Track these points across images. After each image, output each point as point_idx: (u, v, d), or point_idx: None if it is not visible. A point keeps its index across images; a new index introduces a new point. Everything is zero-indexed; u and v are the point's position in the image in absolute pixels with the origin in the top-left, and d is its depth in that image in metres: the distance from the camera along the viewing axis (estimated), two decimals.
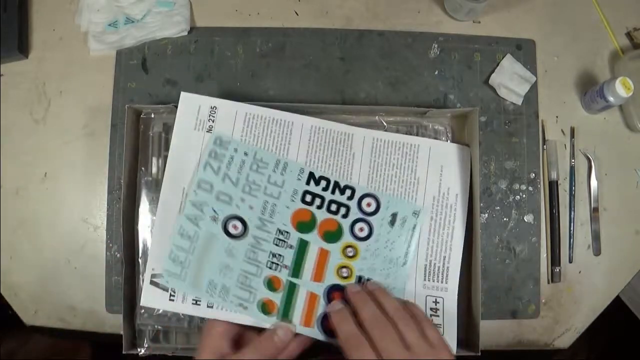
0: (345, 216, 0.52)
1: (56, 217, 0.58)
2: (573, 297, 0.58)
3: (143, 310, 0.53)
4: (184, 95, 0.53)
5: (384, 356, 0.39)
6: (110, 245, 0.57)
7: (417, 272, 0.52)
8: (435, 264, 0.52)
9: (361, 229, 0.52)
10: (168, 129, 0.57)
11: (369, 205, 0.52)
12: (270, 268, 0.50)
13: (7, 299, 0.58)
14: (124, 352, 0.52)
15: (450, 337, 0.51)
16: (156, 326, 0.54)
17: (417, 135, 0.57)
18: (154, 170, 0.56)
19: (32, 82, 0.60)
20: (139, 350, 0.53)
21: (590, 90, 0.59)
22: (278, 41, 0.61)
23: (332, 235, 0.51)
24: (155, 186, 0.55)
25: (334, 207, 0.52)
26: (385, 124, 0.58)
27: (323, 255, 0.51)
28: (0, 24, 0.58)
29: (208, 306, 0.49)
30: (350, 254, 0.51)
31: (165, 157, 0.56)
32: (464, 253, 0.53)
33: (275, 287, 0.50)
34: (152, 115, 0.57)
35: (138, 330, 0.54)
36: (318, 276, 0.50)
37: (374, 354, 0.39)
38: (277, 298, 0.49)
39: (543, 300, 0.58)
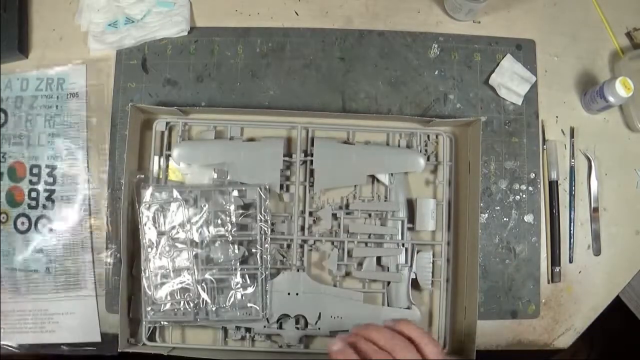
0: None
1: None
2: (573, 297, 0.58)
3: (150, 308, 0.53)
4: None
5: None
6: (110, 245, 0.57)
7: None
8: None
9: None
10: (171, 128, 0.58)
11: None
12: None
13: None
14: (119, 350, 0.52)
15: None
16: (162, 322, 0.54)
17: (419, 142, 0.57)
18: (155, 169, 0.56)
19: None
20: (119, 349, 0.52)
21: (590, 90, 0.59)
22: (278, 41, 0.61)
23: None
24: (156, 185, 0.56)
25: None
26: (386, 132, 0.58)
27: None
28: (0, 24, 0.58)
29: None
30: None
31: (168, 157, 0.57)
32: (457, 253, 0.53)
33: None
34: (154, 116, 0.57)
35: (133, 330, 0.54)
36: None
37: None
38: None
39: (543, 300, 0.58)
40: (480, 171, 0.54)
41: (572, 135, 0.61)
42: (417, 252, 0.56)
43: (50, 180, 0.58)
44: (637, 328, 0.73)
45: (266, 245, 0.54)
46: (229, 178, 0.56)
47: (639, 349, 0.79)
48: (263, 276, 0.53)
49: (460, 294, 0.55)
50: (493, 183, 0.59)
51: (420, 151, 0.58)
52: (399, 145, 0.58)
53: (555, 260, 0.58)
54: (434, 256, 0.56)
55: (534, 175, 0.59)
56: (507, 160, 0.59)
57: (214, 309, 0.53)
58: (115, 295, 0.56)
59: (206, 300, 0.53)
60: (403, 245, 0.56)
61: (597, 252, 0.59)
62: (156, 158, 0.57)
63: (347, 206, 0.58)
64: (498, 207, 0.59)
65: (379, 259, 0.56)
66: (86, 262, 0.57)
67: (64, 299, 0.57)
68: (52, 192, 0.58)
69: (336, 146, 0.57)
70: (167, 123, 0.57)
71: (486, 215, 0.58)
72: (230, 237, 0.54)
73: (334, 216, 0.57)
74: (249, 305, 0.53)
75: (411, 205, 0.57)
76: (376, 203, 0.57)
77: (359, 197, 0.57)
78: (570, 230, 0.59)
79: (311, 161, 0.56)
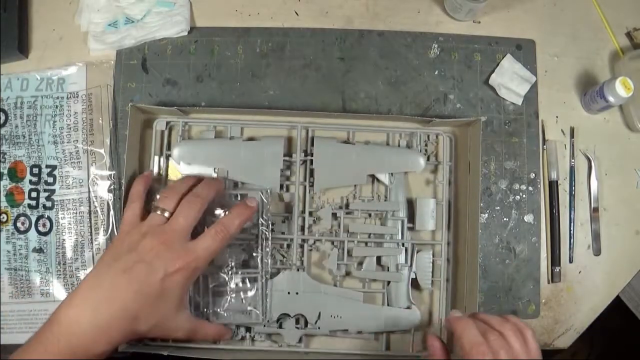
0: None
1: None
2: (573, 297, 0.58)
3: None
4: None
5: None
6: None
7: None
8: None
9: None
10: (171, 128, 0.58)
11: None
12: None
13: None
14: (119, 350, 0.51)
15: None
16: None
17: (418, 142, 0.57)
18: (156, 169, 0.56)
19: None
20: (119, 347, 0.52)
21: (590, 90, 0.59)
22: (278, 41, 0.61)
23: None
24: (157, 185, 0.56)
25: None
26: (386, 132, 0.58)
27: None
28: (0, 24, 0.58)
29: None
30: None
31: (168, 157, 0.57)
32: (457, 253, 0.53)
33: None
34: (155, 116, 0.57)
35: None
36: None
37: None
38: None
39: (543, 300, 0.58)
40: (480, 171, 0.54)
41: (572, 135, 0.61)
42: (417, 252, 0.56)
43: (51, 180, 0.58)
44: (637, 328, 0.73)
45: (267, 249, 0.54)
46: (228, 178, 0.56)
47: (639, 349, 0.80)
48: (263, 280, 0.53)
49: (460, 294, 0.55)
50: (493, 183, 0.59)
51: (420, 151, 0.58)
52: (398, 145, 0.58)
53: (555, 260, 0.58)
54: (434, 256, 0.56)
55: (534, 175, 0.59)
56: (507, 160, 0.59)
57: (212, 311, 0.53)
58: None
59: (205, 304, 0.53)
60: (403, 245, 0.56)
61: (597, 252, 0.59)
62: (156, 158, 0.57)
63: (347, 206, 0.58)
64: (498, 207, 0.59)
65: (379, 258, 0.56)
66: (86, 262, 0.57)
67: (64, 299, 0.57)
68: (52, 192, 0.58)
69: (336, 145, 0.57)
70: (168, 123, 0.57)
71: (486, 215, 0.58)
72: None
73: (334, 216, 0.57)
74: (248, 308, 0.53)
75: (411, 205, 0.58)
76: (376, 203, 0.57)
77: (359, 197, 0.57)
78: (570, 230, 0.59)
79: (311, 161, 0.56)
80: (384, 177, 0.57)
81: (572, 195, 0.60)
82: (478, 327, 0.42)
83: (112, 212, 0.57)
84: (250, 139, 0.58)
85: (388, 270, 0.56)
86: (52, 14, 0.61)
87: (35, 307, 0.57)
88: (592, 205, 0.59)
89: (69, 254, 0.57)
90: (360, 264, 0.56)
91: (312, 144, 0.57)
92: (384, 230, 0.56)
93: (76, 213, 0.58)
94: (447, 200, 0.57)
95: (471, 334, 0.41)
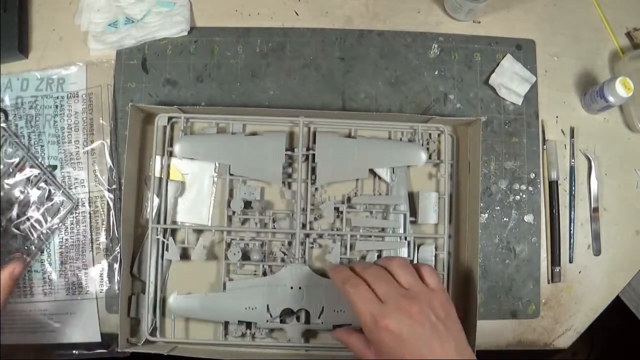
0: None
1: None
2: (573, 297, 0.58)
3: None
4: None
5: (379, 293, 0.40)
6: (111, 245, 0.57)
7: None
8: None
9: None
10: (172, 126, 0.58)
11: None
12: None
13: None
14: (119, 350, 0.52)
15: None
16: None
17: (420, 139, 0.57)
18: (157, 168, 0.56)
19: None
20: (118, 348, 0.52)
21: (590, 90, 0.59)
22: (278, 41, 0.61)
23: None
24: (158, 185, 0.56)
25: None
26: (388, 130, 0.58)
27: None
28: (0, 24, 0.58)
29: None
30: None
31: (170, 153, 0.57)
32: (459, 248, 0.53)
33: None
34: (154, 116, 0.57)
35: (133, 329, 0.55)
36: None
37: (371, 290, 0.40)
38: None
39: (543, 300, 0.58)
40: (480, 171, 0.54)
41: (572, 135, 0.61)
42: (420, 246, 0.56)
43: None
44: (637, 328, 0.73)
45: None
46: (230, 173, 0.56)
47: (639, 349, 0.80)
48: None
49: (461, 288, 0.55)
50: (493, 183, 0.59)
51: (422, 145, 0.58)
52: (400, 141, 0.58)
53: (555, 260, 0.58)
54: (436, 249, 0.56)
55: (534, 175, 0.59)
56: (507, 160, 0.59)
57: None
58: (115, 295, 0.56)
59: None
60: (405, 238, 0.56)
61: (597, 252, 0.59)
62: (158, 158, 0.57)
63: (348, 199, 0.58)
64: (498, 207, 0.59)
65: (380, 253, 0.56)
66: (87, 262, 0.57)
67: (64, 299, 0.57)
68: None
69: (338, 139, 0.57)
70: (170, 118, 0.57)
71: (486, 215, 0.58)
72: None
73: (336, 210, 0.56)
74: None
75: (413, 199, 0.57)
76: (378, 196, 0.57)
77: (361, 194, 0.57)
78: (570, 230, 0.59)
79: (313, 156, 0.56)
80: (385, 174, 0.57)
81: (572, 195, 0.60)
82: (361, 265, 0.43)
83: (112, 212, 0.57)
84: (253, 134, 0.58)
85: None
86: (52, 14, 0.61)
87: (36, 307, 0.57)
88: (592, 205, 0.59)
89: (70, 254, 0.57)
90: (363, 257, 0.56)
91: (314, 141, 0.57)
92: (386, 224, 0.56)
93: (77, 213, 0.58)
94: (448, 193, 0.57)
95: (343, 274, 0.42)
